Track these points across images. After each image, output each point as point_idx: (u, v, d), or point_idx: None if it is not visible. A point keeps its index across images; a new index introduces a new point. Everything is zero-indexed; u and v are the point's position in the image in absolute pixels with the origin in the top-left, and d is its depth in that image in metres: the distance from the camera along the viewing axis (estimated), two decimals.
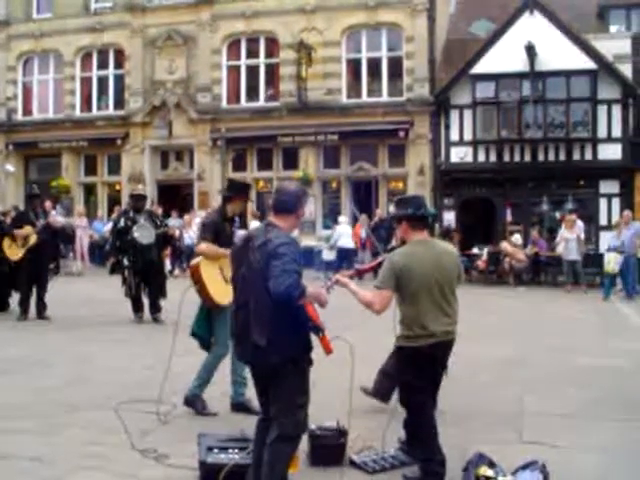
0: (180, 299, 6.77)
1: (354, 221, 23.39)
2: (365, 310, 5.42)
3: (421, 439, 5.38)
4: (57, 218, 14.50)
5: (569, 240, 19.19)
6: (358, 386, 6.22)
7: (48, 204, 22.10)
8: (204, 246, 7.02)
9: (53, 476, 5.34)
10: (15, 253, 12.93)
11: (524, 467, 5.06)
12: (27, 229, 12.86)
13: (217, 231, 7.08)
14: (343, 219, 22.80)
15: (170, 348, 6.83)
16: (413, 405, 5.40)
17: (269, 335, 4.42)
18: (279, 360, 4.45)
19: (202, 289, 6.92)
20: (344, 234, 21.84)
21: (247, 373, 6.71)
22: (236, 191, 7.37)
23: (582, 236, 19.82)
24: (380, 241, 21.00)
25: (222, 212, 7.27)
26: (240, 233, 7.82)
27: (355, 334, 7.15)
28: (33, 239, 12.84)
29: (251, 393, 6.74)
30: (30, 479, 5.32)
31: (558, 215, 22.84)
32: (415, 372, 5.31)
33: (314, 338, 4.60)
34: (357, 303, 5.44)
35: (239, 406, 7.01)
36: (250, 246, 4.59)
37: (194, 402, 6.99)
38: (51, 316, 12.92)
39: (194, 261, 7.09)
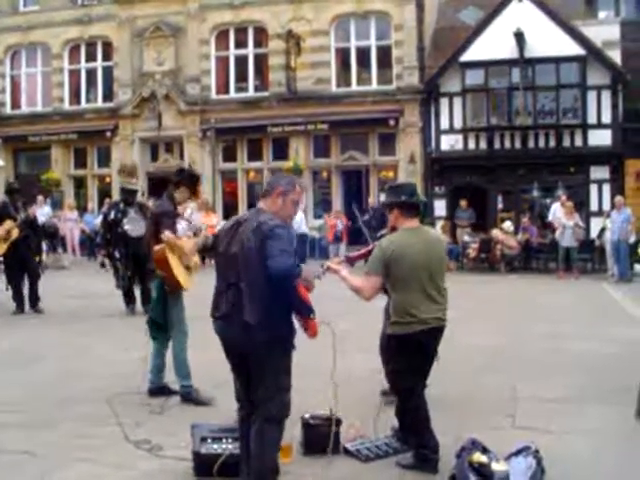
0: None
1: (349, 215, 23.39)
2: (377, 300, 5.42)
3: (413, 426, 5.40)
4: (36, 212, 14.41)
5: (566, 227, 19.35)
6: (346, 373, 6.15)
7: (40, 198, 22.14)
8: (170, 236, 7.07)
9: (47, 469, 5.33)
10: None
11: (517, 452, 5.07)
12: (8, 223, 12.74)
13: (174, 218, 7.23)
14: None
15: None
16: (404, 392, 5.41)
17: (260, 314, 4.45)
18: (266, 338, 4.47)
19: (171, 276, 6.99)
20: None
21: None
22: (183, 177, 7.39)
23: (580, 223, 19.97)
24: (371, 230, 21.02)
25: (171, 199, 7.34)
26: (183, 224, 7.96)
27: (349, 321, 7.17)
28: (15, 233, 12.75)
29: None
30: (24, 473, 5.32)
31: (549, 201, 22.88)
32: (406, 359, 5.31)
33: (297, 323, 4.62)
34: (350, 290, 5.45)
35: (161, 390, 7.18)
36: (242, 228, 4.63)
37: (189, 394, 7.03)
38: (44, 309, 12.91)
39: (158, 248, 7.09)
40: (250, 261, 4.49)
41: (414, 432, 5.39)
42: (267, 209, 4.69)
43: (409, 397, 5.38)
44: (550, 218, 20.78)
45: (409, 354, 5.30)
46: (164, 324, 7.13)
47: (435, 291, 5.33)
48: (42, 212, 19.42)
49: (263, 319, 4.44)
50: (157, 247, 7.11)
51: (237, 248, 4.59)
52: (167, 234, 7.05)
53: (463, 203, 22.90)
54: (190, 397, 7.01)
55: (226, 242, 4.72)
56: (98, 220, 21.00)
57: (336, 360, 4.85)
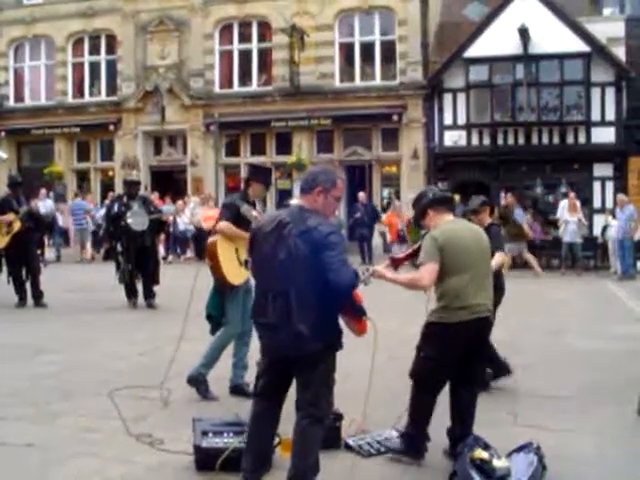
0: (193, 283, 6.82)
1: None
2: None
3: (415, 416, 5.37)
4: (38, 204, 14.40)
5: (569, 222, 19.36)
6: (377, 372, 6.08)
7: (43, 191, 22.11)
8: (224, 224, 7.00)
9: (48, 462, 5.33)
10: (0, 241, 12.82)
11: (519, 449, 5.06)
12: (10, 216, 12.74)
13: (237, 213, 7.04)
14: (294, 201, 22.85)
15: (180, 332, 6.89)
16: (423, 381, 5.33)
17: (312, 323, 4.33)
18: (320, 346, 4.39)
19: (216, 267, 6.89)
20: None
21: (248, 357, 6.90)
22: (254, 175, 7.35)
23: (584, 220, 19.97)
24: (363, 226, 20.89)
25: (244, 195, 7.25)
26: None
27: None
28: (17, 226, 12.73)
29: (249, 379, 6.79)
30: (26, 465, 5.31)
31: (551, 198, 22.86)
32: (442, 350, 5.22)
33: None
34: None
35: (237, 389, 7.02)
36: (286, 232, 4.41)
37: (199, 382, 6.95)
38: (48, 303, 12.89)
39: (212, 238, 7.04)
40: (300, 269, 4.32)
41: (412, 420, 5.37)
42: (309, 207, 4.53)
43: (427, 390, 5.33)
44: (559, 215, 20.69)
45: (447, 345, 5.21)
46: (219, 318, 7.03)
47: (485, 278, 5.36)
48: (44, 205, 19.41)
49: (316, 328, 4.34)
50: (211, 238, 7.08)
51: (284, 254, 4.37)
52: (221, 224, 7.02)
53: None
54: (197, 384, 6.94)
55: (269, 245, 4.49)
56: (101, 213, 21.07)
57: (374, 359, 4.83)
